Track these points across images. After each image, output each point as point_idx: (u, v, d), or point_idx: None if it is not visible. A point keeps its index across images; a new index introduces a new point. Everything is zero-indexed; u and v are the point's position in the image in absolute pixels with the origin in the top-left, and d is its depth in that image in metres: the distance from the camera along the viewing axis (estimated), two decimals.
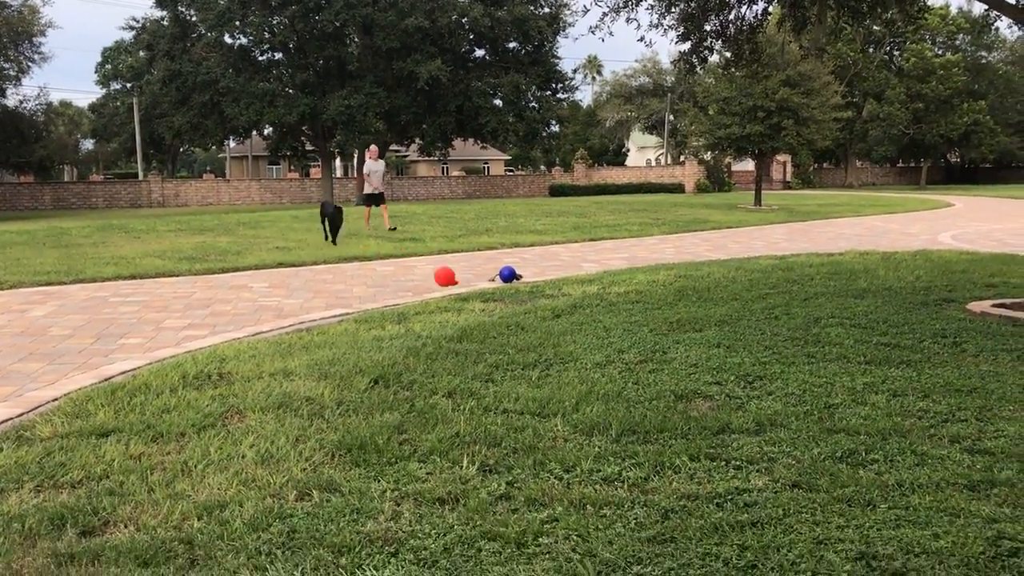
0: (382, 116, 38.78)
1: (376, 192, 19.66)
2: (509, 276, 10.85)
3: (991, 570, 3.00)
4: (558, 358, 6.18)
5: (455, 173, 64.20)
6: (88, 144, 73.27)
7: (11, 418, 5.10)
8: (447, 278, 10.67)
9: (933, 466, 3.95)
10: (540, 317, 7.88)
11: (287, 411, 4.94)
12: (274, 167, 65.84)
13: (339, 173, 59.31)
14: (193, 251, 14.87)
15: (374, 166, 19.82)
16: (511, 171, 73.92)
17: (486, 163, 74.50)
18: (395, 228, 19.08)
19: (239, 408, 5.04)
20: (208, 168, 78.54)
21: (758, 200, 29.97)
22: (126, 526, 3.42)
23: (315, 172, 53.95)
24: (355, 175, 46.11)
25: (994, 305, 7.95)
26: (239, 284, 11.18)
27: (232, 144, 57.46)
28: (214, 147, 54.16)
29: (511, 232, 18.80)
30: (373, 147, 20.35)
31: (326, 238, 15.29)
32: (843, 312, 7.82)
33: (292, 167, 59.05)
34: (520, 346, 6.58)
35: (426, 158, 52.37)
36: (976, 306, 7.98)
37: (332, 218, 14.96)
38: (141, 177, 51.82)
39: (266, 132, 41.53)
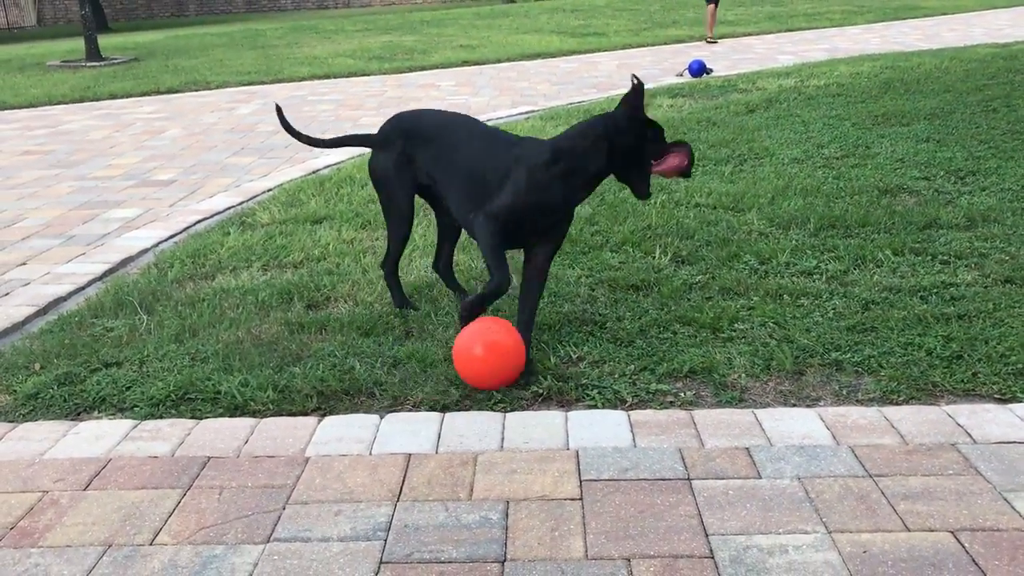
0: None
1: None
2: (699, 70, 10.43)
3: None
4: (752, 154, 6.00)
5: None
6: None
7: (233, 206, 5.54)
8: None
9: None
10: (733, 112, 7.60)
11: None
12: None
13: None
14: (381, 50, 15.10)
15: None
16: None
17: None
18: (715, 40, 14.85)
19: None
20: None
21: None
22: (346, 301, 3.72)
23: None
24: None
25: None
26: (427, 83, 11.34)
27: None
28: None
29: (700, 24, 17.87)
30: None
31: None
32: None
33: None
34: (712, 141, 6.42)
35: None
36: None
37: None
38: None
39: None
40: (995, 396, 2.74)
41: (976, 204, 4.60)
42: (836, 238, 4.19)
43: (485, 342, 2.78)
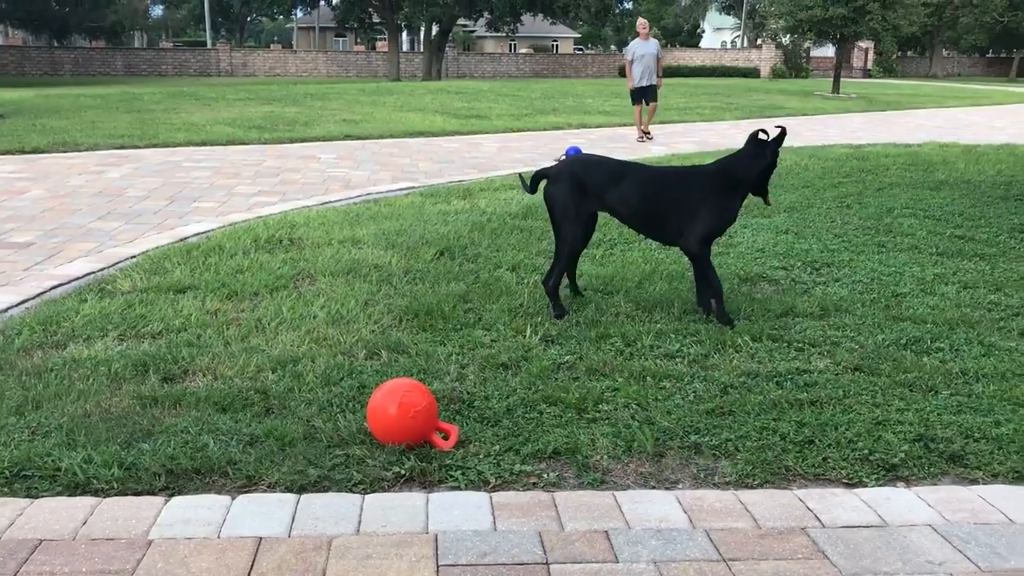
0: None
1: (645, 85, 13.78)
2: None
3: None
4: (623, 238, 6.17)
5: (523, 51, 62.83)
6: (158, 10, 73.10)
7: (93, 272, 5.31)
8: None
9: (1000, 357, 3.91)
10: None
11: (356, 277, 5.06)
12: (340, 39, 65.14)
13: (405, 47, 58.50)
14: (262, 120, 14.96)
15: (643, 47, 13.68)
16: (580, 50, 72.05)
17: (555, 41, 72.66)
18: (649, 136, 13.97)
19: (310, 272, 5.17)
20: (275, 39, 78.11)
21: (836, 88, 28.91)
22: (204, 375, 3.58)
23: (381, 46, 53.29)
24: (422, 49, 45.48)
25: None
26: (307, 155, 11.27)
27: (299, 15, 56.89)
28: (281, 17, 53.74)
29: (579, 112, 18.51)
30: (642, 20, 13.94)
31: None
32: (918, 203, 7.63)
33: (358, 40, 58.41)
34: None
35: (494, 34, 51.41)
36: None
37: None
38: (209, 46, 51.75)
39: (334, 1, 40.96)
40: (843, 481, 2.84)
41: (830, 295, 4.84)
42: (698, 323, 4.32)
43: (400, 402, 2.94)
